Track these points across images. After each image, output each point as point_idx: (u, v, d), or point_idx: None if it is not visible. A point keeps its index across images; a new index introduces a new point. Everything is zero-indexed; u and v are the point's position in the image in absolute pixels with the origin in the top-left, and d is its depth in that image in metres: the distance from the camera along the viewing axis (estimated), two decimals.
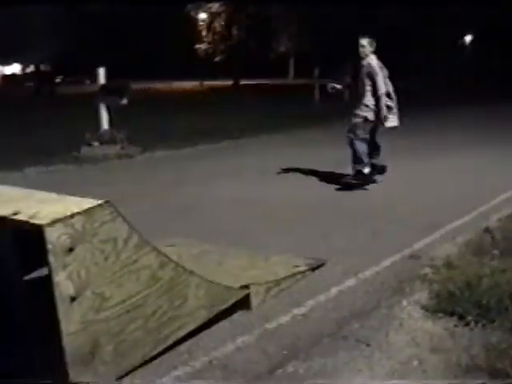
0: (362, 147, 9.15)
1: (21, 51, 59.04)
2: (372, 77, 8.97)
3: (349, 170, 9.40)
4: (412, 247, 6.26)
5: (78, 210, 3.30)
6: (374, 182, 9.46)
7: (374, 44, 9.13)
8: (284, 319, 4.56)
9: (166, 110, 23.82)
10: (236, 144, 14.84)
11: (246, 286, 4.60)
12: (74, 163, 12.16)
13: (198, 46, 55.35)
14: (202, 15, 54.49)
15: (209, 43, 54.60)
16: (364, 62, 9.10)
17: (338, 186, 9.40)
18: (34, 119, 20.39)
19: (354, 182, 9.24)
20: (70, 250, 3.23)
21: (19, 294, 4.33)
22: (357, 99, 9.28)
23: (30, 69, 63.58)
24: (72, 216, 3.26)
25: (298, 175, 10.52)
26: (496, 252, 5.80)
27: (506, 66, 44.19)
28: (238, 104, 27.23)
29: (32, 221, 3.27)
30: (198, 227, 7.15)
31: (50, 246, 3.16)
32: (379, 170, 9.48)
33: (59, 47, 54.52)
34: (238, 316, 4.55)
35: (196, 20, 55.33)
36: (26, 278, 4.54)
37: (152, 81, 51.80)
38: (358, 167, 9.21)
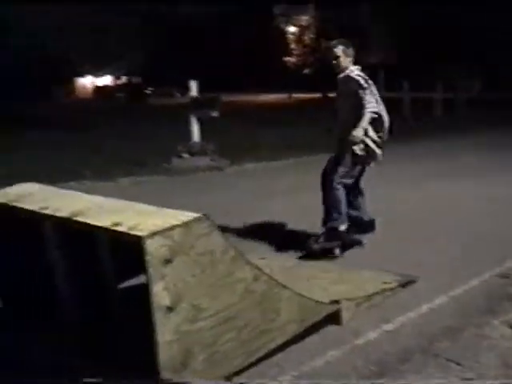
0: (341, 195, 6.62)
1: (112, 63, 60.72)
2: (356, 94, 6.50)
3: None
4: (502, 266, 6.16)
5: (177, 223, 3.40)
6: (357, 243, 6.84)
7: (352, 50, 6.81)
8: (373, 335, 4.56)
9: (253, 122, 23.97)
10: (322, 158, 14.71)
11: (337, 301, 4.62)
12: (166, 174, 12.41)
13: (287, 58, 55.67)
14: (292, 28, 54.80)
15: (298, 56, 54.85)
16: (341, 77, 6.84)
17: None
18: (126, 130, 20.87)
19: (325, 246, 6.53)
20: (168, 261, 3.32)
21: (115, 299, 4.51)
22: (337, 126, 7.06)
23: (122, 80, 65.14)
24: (171, 228, 3.35)
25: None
26: None
27: None
28: (326, 117, 27.09)
29: (132, 232, 3.38)
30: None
31: (149, 257, 3.26)
32: (366, 226, 6.96)
33: (148, 59, 55.86)
34: (328, 331, 4.58)
35: (285, 32, 55.66)
36: (122, 285, 4.71)
37: (241, 93, 52.25)
38: (333, 224, 6.59)
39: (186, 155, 13.29)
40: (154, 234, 3.28)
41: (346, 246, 6.67)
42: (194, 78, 14.04)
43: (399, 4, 50.03)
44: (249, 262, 3.78)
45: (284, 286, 4.05)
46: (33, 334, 4.28)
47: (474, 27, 45.76)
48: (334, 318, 4.59)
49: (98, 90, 64.92)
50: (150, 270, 3.27)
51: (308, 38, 54.30)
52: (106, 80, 68.17)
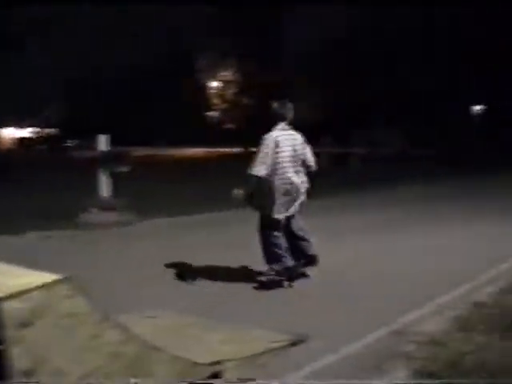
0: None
1: (36, 114, 60.00)
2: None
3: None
4: (398, 322, 6.18)
5: (37, 285, 3.29)
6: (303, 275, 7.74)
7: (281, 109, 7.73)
8: None
9: (170, 177, 23.83)
10: (238, 215, 14.55)
11: (219, 362, 4.53)
12: (72, 229, 12.18)
13: (208, 113, 55.99)
14: (214, 83, 55.24)
15: (219, 110, 55.22)
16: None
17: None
18: (39, 182, 20.49)
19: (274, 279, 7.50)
20: (27, 324, 3.20)
21: None
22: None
23: (44, 132, 64.36)
24: (30, 290, 3.24)
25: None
26: (482, 327, 5.72)
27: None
28: (245, 172, 27.16)
29: None
30: (186, 297, 7.10)
31: (6, 320, 3.14)
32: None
33: (71, 111, 55.46)
34: None
35: (207, 87, 56.05)
36: None
37: (161, 147, 52.13)
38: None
39: (94, 210, 13.09)
40: (11, 296, 3.17)
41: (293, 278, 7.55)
42: (107, 132, 13.89)
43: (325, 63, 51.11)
44: (118, 325, 3.68)
45: (158, 349, 3.95)
46: None
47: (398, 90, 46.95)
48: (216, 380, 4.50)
49: (20, 141, 63.89)
50: (7, 333, 3.15)
51: (230, 92, 54.80)
52: (28, 132, 67.18)
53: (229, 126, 55.43)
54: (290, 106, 7.78)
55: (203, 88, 55.97)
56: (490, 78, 44.94)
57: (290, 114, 7.74)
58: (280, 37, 52.52)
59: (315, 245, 7.91)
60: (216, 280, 7.96)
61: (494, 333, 5.53)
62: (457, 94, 46.49)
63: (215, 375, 4.44)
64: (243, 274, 8.17)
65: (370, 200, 17.55)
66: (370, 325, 6.08)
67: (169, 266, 8.81)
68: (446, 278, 7.99)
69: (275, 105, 7.72)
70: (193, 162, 39.25)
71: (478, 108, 54.92)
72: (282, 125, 7.60)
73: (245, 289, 7.57)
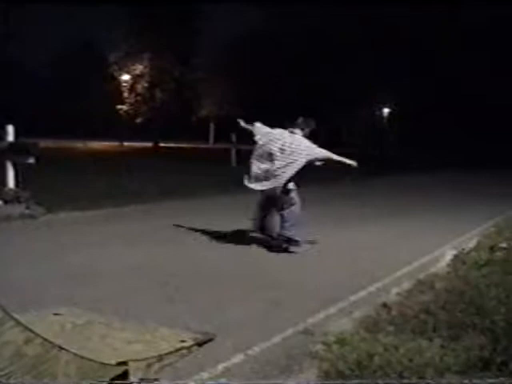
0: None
1: None
2: None
3: None
4: (306, 322, 6.18)
5: None
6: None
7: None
8: None
9: (80, 170, 23.39)
10: (144, 209, 14.57)
11: (125, 362, 4.41)
12: None
13: (119, 106, 55.26)
14: (125, 76, 54.52)
15: (130, 105, 54.57)
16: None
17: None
18: None
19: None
20: None
21: None
22: None
23: None
24: None
25: (203, 240, 10.43)
26: (391, 328, 5.76)
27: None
28: (155, 167, 27.02)
29: None
30: (87, 294, 6.91)
31: None
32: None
33: None
34: None
35: (119, 80, 55.30)
36: None
37: (70, 139, 51.26)
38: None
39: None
40: None
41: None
42: (13, 123, 13.48)
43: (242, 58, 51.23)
44: (19, 324, 3.52)
45: (62, 348, 3.81)
46: None
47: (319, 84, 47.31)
48: (122, 380, 4.37)
49: None
50: None
51: (141, 86, 54.16)
52: None
53: (140, 119, 54.85)
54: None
55: (115, 82, 55.18)
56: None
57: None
58: (195, 32, 52.39)
59: None
60: (117, 279, 7.82)
61: (401, 334, 5.58)
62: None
63: (121, 376, 4.32)
64: (146, 275, 8.10)
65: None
66: (279, 324, 6.06)
67: (68, 261, 8.60)
68: (355, 279, 8.07)
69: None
70: (103, 155, 38.71)
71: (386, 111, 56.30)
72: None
73: (147, 286, 7.48)
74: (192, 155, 39.39)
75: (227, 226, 11.53)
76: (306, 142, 9.60)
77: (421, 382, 4.26)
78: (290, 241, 9.60)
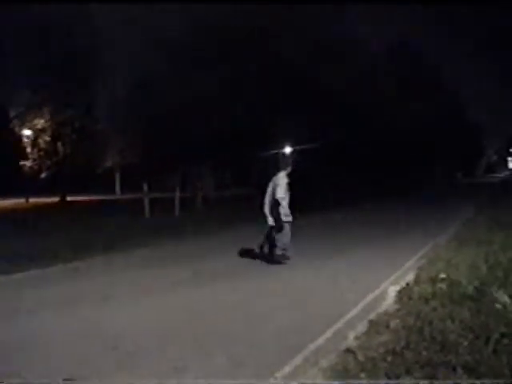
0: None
1: None
2: None
3: None
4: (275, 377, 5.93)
5: None
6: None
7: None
8: None
9: None
10: (68, 268, 13.75)
11: None
12: None
13: (22, 162, 53.91)
14: (27, 131, 53.32)
15: (34, 160, 53.32)
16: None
17: None
18: None
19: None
20: None
21: None
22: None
23: None
24: None
25: (141, 298, 10.01)
26: (363, 375, 5.58)
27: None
28: (66, 222, 26.12)
29: None
30: (25, 363, 6.51)
31: None
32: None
33: None
34: None
35: (20, 136, 54.01)
36: None
37: None
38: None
39: None
40: None
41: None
42: None
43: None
44: None
45: None
46: None
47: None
48: None
49: None
50: None
51: (44, 141, 52.99)
52: None
53: (44, 174, 53.61)
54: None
55: (17, 137, 53.87)
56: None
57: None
58: (96, 84, 51.84)
59: None
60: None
61: (376, 379, 5.42)
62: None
63: None
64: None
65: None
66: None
67: None
68: (308, 322, 7.90)
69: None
70: (8, 214, 37.46)
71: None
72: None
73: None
74: (101, 207, 38.65)
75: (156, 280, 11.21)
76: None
77: (421, 381, 4.13)
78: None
